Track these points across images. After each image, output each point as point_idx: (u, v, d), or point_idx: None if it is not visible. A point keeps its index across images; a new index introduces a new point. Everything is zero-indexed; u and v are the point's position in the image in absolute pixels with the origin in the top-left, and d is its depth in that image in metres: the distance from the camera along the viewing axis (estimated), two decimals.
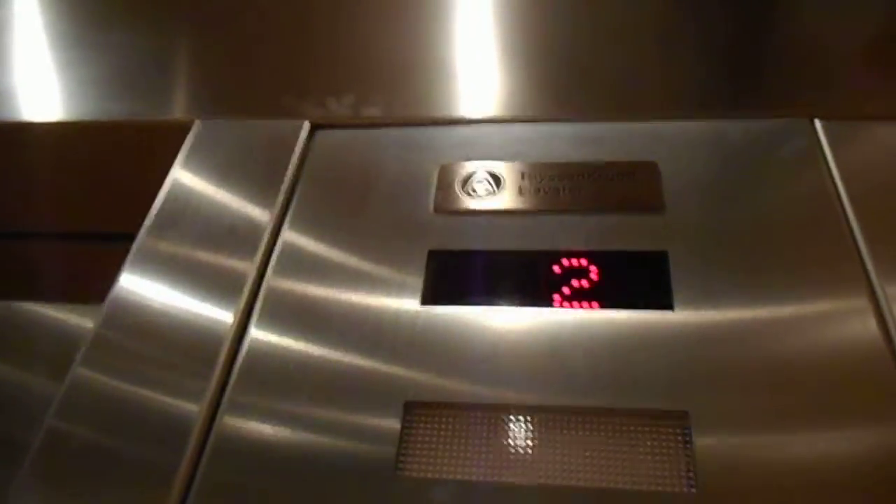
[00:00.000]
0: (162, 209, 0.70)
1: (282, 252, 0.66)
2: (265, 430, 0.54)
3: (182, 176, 0.74)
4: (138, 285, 0.64)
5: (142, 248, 0.67)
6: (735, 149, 0.70)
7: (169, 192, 0.72)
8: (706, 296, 0.58)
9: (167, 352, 0.59)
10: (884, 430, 0.49)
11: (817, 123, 0.70)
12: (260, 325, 0.60)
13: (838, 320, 0.56)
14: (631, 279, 0.60)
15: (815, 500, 0.47)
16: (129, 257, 0.66)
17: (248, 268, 0.64)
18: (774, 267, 0.59)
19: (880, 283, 0.57)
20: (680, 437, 0.50)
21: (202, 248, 0.66)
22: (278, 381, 0.57)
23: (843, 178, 0.65)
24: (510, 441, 0.52)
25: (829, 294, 0.57)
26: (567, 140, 0.72)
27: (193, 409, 0.55)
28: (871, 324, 0.54)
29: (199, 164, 0.75)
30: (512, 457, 0.51)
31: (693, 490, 0.48)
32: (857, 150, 0.68)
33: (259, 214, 0.68)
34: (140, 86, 0.87)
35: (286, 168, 0.72)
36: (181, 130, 0.78)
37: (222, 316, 0.61)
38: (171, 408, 0.55)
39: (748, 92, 0.77)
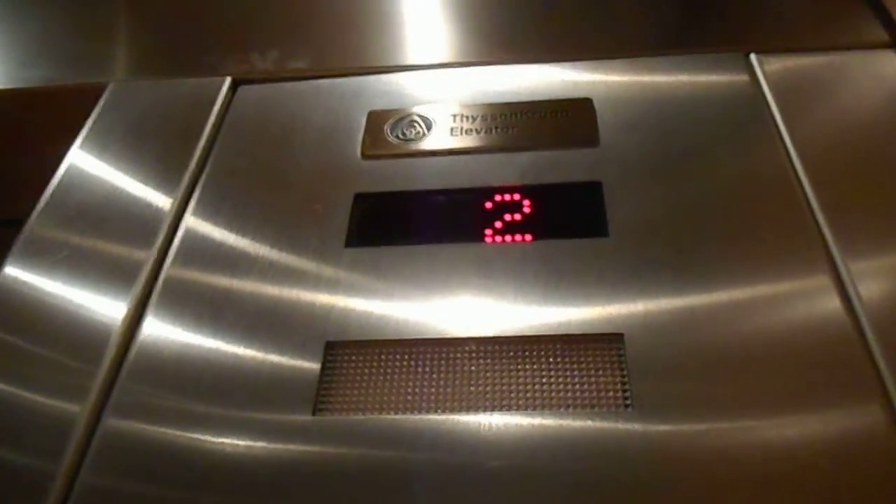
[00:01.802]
0: (57, 190, 0.64)
1: (188, 230, 0.60)
2: (156, 432, 0.47)
3: (83, 150, 0.68)
4: (23, 275, 0.57)
5: (31, 234, 0.61)
6: (670, 84, 0.68)
7: (66, 171, 0.66)
8: (642, 223, 0.56)
9: (48, 348, 0.52)
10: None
11: (753, 58, 0.69)
12: (158, 314, 0.54)
13: (772, 237, 0.54)
14: (564, 210, 0.58)
15: (748, 411, 0.45)
16: (17, 243, 0.60)
17: (146, 255, 0.57)
18: (712, 196, 0.58)
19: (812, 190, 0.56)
20: (615, 359, 0.47)
21: (97, 233, 0.60)
22: (174, 377, 0.50)
23: (780, 110, 0.64)
24: (439, 375, 0.48)
25: (773, 221, 0.55)
26: (501, 83, 0.69)
27: (74, 409, 0.49)
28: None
29: (107, 133, 0.69)
30: (442, 390, 0.48)
31: (629, 408, 0.45)
32: (793, 81, 0.67)
33: (162, 197, 0.62)
34: (56, 51, 0.82)
35: (203, 128, 0.68)
36: (94, 95, 0.74)
37: (112, 308, 0.54)
38: (49, 409, 0.49)
39: (682, 28, 0.75)
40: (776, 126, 0.63)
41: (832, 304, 0.49)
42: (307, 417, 0.47)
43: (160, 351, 0.52)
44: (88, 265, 0.58)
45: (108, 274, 0.57)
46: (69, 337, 0.53)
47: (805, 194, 0.57)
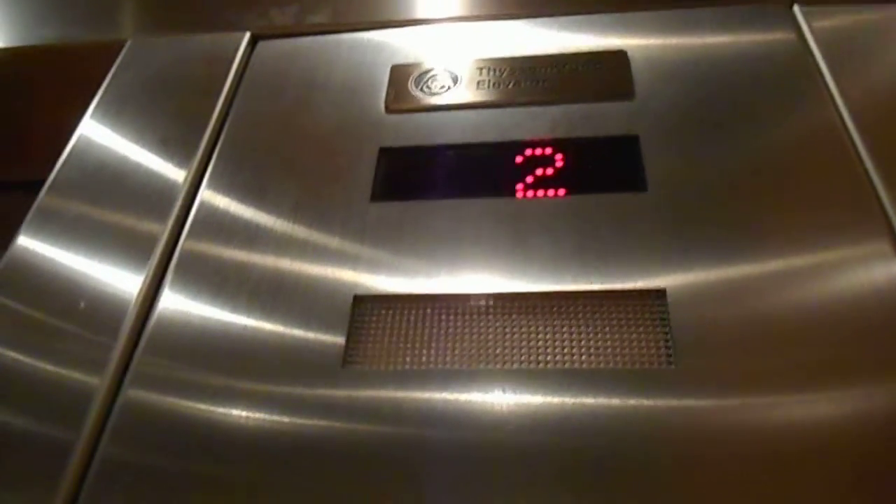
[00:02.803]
0: (73, 153, 0.62)
1: (209, 191, 0.58)
2: (177, 403, 0.46)
3: (101, 109, 0.66)
4: (38, 246, 0.56)
5: (45, 203, 0.59)
6: (710, 36, 0.64)
7: (83, 133, 0.64)
8: (682, 178, 0.53)
9: (66, 320, 0.51)
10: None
11: (796, 9, 0.65)
12: (174, 285, 0.52)
13: (823, 199, 0.51)
14: (600, 164, 0.55)
15: (800, 379, 0.42)
16: (31, 213, 0.58)
17: (159, 229, 0.55)
18: (756, 154, 0.54)
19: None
20: (657, 315, 0.45)
21: (115, 200, 0.58)
22: (194, 348, 0.48)
23: (828, 65, 0.60)
24: (471, 330, 0.46)
25: (824, 184, 0.52)
26: (531, 35, 0.66)
27: (94, 381, 0.47)
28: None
29: (125, 91, 0.67)
30: (474, 346, 0.46)
31: (672, 366, 0.43)
32: (840, 34, 0.63)
33: (182, 158, 0.60)
34: (73, 7, 0.80)
35: (222, 84, 0.66)
36: (112, 52, 0.72)
37: (130, 280, 0.52)
38: (69, 381, 0.48)
39: None
40: (823, 81, 0.59)
41: (891, 270, 0.46)
42: (336, 370, 0.45)
43: (179, 321, 0.50)
44: (105, 233, 0.56)
45: (126, 243, 0.55)
46: (87, 309, 0.52)
47: (858, 155, 0.53)
